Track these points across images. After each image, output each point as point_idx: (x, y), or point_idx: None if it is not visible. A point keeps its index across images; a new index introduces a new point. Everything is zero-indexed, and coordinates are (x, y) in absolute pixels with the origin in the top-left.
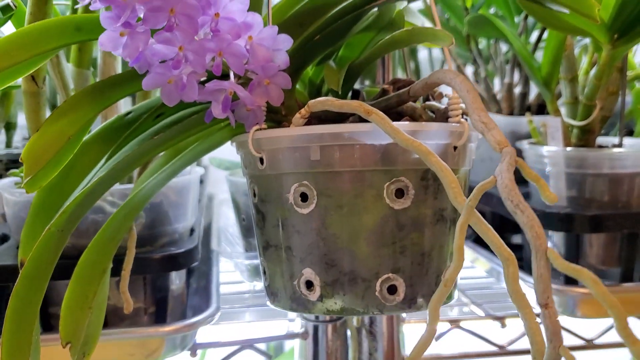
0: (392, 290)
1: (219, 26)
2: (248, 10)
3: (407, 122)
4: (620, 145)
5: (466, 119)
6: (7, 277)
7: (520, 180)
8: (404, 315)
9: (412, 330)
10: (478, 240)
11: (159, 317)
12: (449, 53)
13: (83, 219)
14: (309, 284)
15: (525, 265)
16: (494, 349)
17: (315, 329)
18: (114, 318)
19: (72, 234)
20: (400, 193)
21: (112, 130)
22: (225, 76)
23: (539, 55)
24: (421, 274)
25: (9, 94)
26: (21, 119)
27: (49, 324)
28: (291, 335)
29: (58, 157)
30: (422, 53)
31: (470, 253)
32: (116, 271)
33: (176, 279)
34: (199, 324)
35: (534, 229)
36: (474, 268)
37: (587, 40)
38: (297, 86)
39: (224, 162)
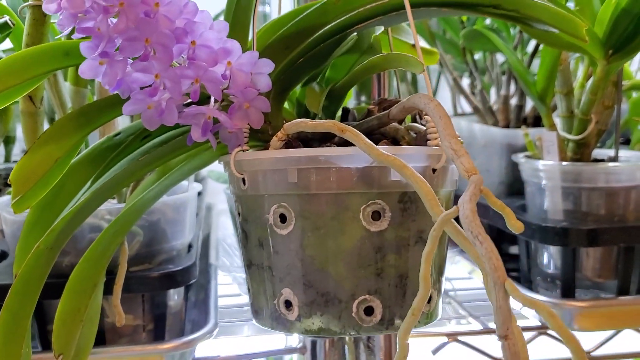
0: (369, 311)
1: (195, 54)
2: (234, 35)
3: (384, 147)
4: (615, 158)
5: None
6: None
7: (517, 192)
8: None
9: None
10: None
11: (158, 334)
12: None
13: (81, 238)
14: (288, 304)
15: (522, 277)
16: None
17: (313, 343)
18: (113, 335)
19: (70, 254)
20: (377, 215)
21: (101, 151)
22: (207, 99)
23: (536, 64)
24: (399, 295)
25: (7, 108)
26: (20, 133)
27: (48, 341)
28: (289, 350)
29: (46, 178)
30: None
31: (467, 264)
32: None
33: (174, 295)
34: (197, 340)
35: (492, 261)
36: (472, 279)
37: None
38: (286, 106)
39: (222, 175)
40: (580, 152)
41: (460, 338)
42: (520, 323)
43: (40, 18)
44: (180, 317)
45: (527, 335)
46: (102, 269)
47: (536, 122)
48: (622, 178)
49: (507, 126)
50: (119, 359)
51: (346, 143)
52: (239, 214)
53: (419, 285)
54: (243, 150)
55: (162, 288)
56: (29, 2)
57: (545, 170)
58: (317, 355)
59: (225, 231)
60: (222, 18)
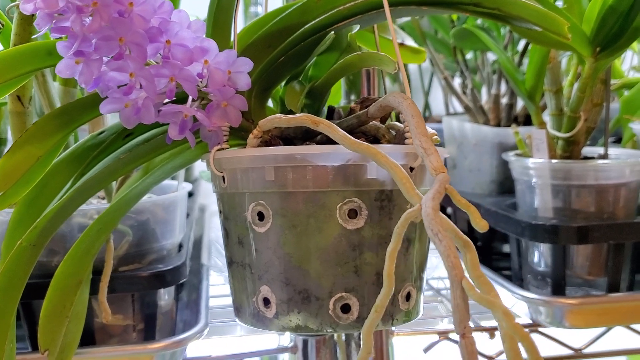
0: (346, 309)
1: (171, 52)
2: (216, 34)
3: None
4: (605, 156)
5: None
6: None
7: (508, 190)
8: (393, 327)
9: (401, 342)
10: None
11: (148, 333)
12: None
13: (70, 237)
14: (266, 301)
15: (513, 275)
16: None
17: (305, 342)
18: (103, 335)
19: (59, 253)
20: (353, 213)
21: (85, 149)
22: (186, 98)
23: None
24: (376, 293)
25: None
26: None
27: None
28: (280, 350)
29: (28, 176)
30: (412, 65)
31: None
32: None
33: (165, 295)
34: (188, 340)
35: (450, 258)
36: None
37: None
38: (271, 105)
39: None
40: (570, 150)
41: (452, 336)
42: None
43: (27, 17)
44: (171, 317)
45: (429, 339)
46: (88, 266)
47: (527, 120)
48: (612, 175)
49: (498, 125)
50: (109, 359)
51: (327, 142)
52: (220, 212)
53: (383, 282)
54: (223, 149)
55: (151, 287)
56: (16, 2)
57: (535, 168)
58: (309, 354)
59: (218, 232)
60: None
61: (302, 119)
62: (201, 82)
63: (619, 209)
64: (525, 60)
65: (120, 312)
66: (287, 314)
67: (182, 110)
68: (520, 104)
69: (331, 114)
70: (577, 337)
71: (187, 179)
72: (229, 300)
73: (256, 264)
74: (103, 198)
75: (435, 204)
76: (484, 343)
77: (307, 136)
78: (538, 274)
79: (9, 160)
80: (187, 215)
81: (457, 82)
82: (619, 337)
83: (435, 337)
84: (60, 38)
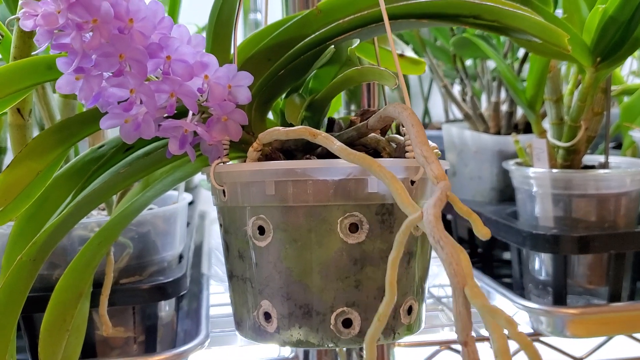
0: (347, 323)
1: (171, 68)
2: (216, 47)
3: None
4: (606, 165)
5: None
6: None
7: (508, 198)
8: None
9: (403, 353)
10: None
11: (149, 345)
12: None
13: (71, 250)
14: (267, 316)
15: (514, 284)
16: None
17: (306, 353)
18: (104, 348)
19: (60, 267)
20: (354, 227)
21: (85, 163)
22: (187, 112)
23: (527, 71)
24: (377, 308)
25: None
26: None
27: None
28: None
29: (28, 191)
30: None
31: None
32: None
33: (165, 306)
34: (189, 352)
35: (452, 266)
36: None
37: None
38: (271, 117)
39: None
40: (571, 159)
41: (453, 346)
42: None
43: (27, 31)
44: (172, 328)
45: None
46: (88, 279)
47: (527, 128)
48: (613, 185)
49: (498, 133)
50: None
51: (328, 154)
52: (220, 225)
53: (385, 292)
54: (223, 162)
55: (152, 300)
56: (16, 15)
57: (536, 178)
58: None
59: (218, 240)
60: None
61: (300, 131)
62: (201, 96)
63: (619, 218)
64: (525, 68)
65: (121, 325)
66: (288, 328)
67: (183, 125)
68: (520, 111)
69: (331, 126)
70: (579, 346)
71: (187, 186)
72: (229, 310)
73: (257, 278)
74: (103, 209)
75: (437, 212)
76: (484, 353)
77: (307, 148)
78: (539, 283)
79: (9, 175)
80: (187, 224)
81: (456, 89)
82: (620, 346)
83: (436, 348)
84: (60, 54)
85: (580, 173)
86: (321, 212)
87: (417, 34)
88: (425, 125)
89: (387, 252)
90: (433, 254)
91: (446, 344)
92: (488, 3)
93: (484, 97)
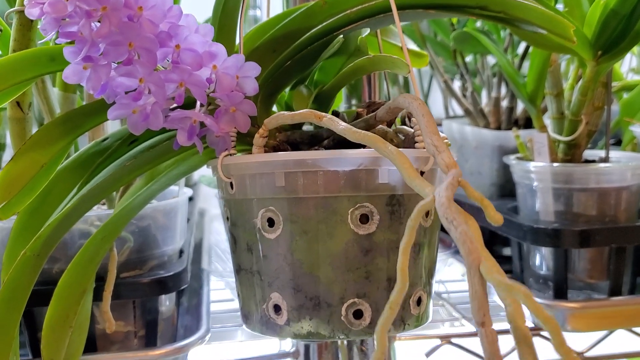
0: (358, 314)
1: (180, 57)
2: (221, 38)
3: (367, 149)
4: (606, 159)
5: None
6: None
7: (509, 193)
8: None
9: (403, 347)
10: None
11: (150, 340)
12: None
13: (71, 244)
14: (277, 308)
15: (514, 278)
16: None
17: (307, 347)
18: (104, 342)
19: (60, 260)
20: (365, 218)
21: (89, 156)
22: (194, 103)
23: (527, 66)
24: (387, 298)
25: None
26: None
27: (38, 349)
28: (282, 355)
29: (32, 184)
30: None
31: (460, 267)
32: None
33: (166, 301)
34: (189, 346)
35: (466, 244)
36: (465, 281)
37: None
38: (276, 109)
39: (214, 180)
40: (571, 153)
41: (454, 340)
42: None
43: (26, 23)
44: (172, 323)
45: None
46: (91, 275)
47: (527, 123)
48: (613, 178)
49: (498, 128)
50: None
51: (335, 147)
52: (227, 218)
53: (397, 279)
54: (230, 154)
55: (153, 294)
56: (15, 8)
57: (536, 172)
58: (311, 359)
59: (218, 236)
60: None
61: (306, 114)
62: (209, 87)
63: (620, 213)
64: (526, 63)
65: (122, 319)
66: (298, 320)
67: (191, 115)
68: (520, 106)
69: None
70: (579, 341)
71: (186, 183)
72: (229, 305)
73: (266, 271)
74: (103, 203)
75: (449, 194)
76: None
77: (313, 141)
78: (540, 278)
79: (13, 168)
80: (188, 220)
81: (456, 85)
82: (621, 340)
83: (437, 342)
84: (66, 43)
85: (581, 167)
86: (332, 203)
87: (418, 29)
88: None
89: (397, 243)
90: None
91: (447, 338)
92: None
93: (484, 93)
